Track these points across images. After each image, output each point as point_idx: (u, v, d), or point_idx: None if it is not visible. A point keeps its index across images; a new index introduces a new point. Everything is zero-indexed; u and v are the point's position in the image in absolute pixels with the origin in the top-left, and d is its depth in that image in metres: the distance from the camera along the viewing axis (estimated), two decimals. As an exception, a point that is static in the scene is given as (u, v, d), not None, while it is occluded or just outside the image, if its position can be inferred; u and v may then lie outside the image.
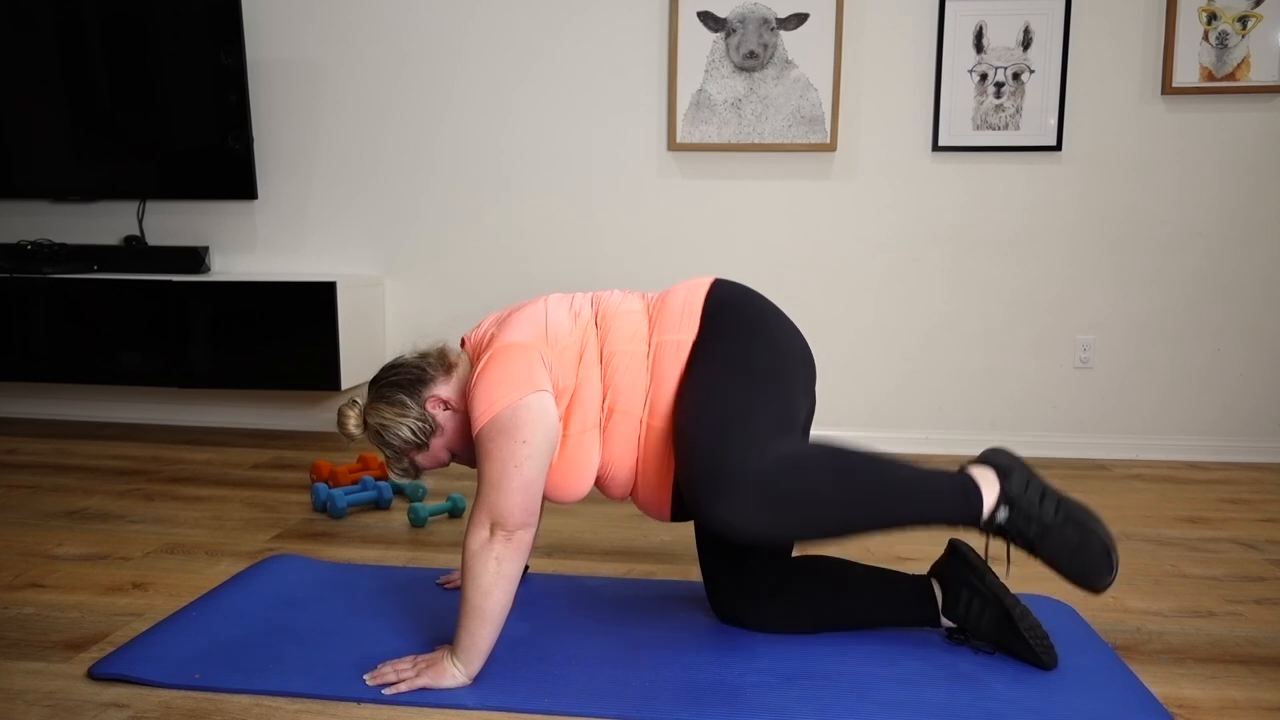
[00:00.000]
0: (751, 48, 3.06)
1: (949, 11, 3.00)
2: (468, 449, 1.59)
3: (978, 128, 3.03)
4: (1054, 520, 1.44)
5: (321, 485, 2.43)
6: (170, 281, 3.09)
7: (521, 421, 1.42)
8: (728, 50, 3.07)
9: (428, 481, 2.68)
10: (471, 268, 3.32)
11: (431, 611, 1.73)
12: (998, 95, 3.01)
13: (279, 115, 3.33)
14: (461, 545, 1.60)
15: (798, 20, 3.04)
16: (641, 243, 3.23)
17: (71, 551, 2.09)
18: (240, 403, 3.47)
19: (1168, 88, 2.97)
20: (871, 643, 1.62)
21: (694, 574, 1.97)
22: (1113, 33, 2.99)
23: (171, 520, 2.32)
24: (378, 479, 2.59)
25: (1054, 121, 3.01)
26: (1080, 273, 3.10)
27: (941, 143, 3.05)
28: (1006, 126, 3.02)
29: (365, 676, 1.46)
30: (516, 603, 1.72)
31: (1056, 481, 2.81)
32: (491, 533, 1.41)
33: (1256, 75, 2.93)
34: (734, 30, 3.06)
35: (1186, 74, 2.95)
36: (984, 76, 3.01)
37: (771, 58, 3.06)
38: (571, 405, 1.52)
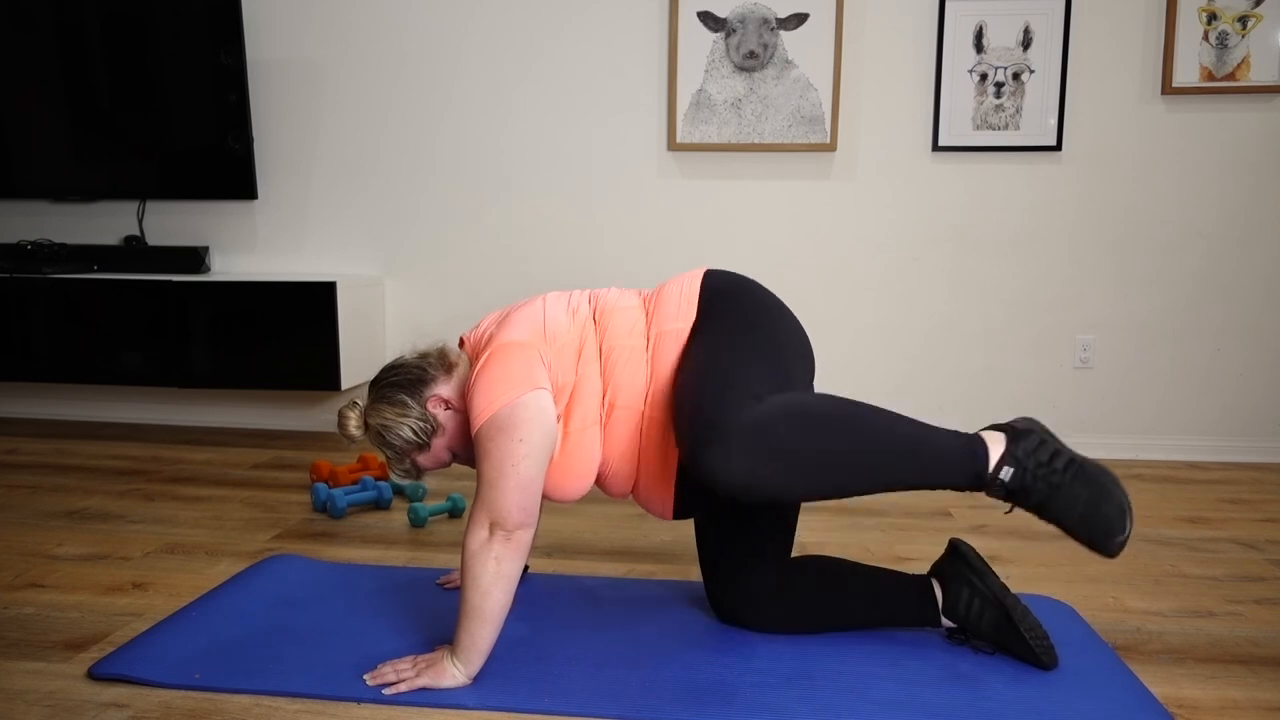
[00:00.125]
0: (751, 48, 3.06)
1: (949, 11, 3.00)
2: (469, 448, 1.59)
3: (978, 128, 3.03)
4: (1063, 479, 1.36)
5: (321, 485, 2.43)
6: (170, 281, 3.09)
7: (519, 420, 1.42)
8: (728, 50, 3.07)
9: (428, 481, 2.68)
10: (471, 268, 3.32)
11: (431, 611, 1.73)
12: (998, 95, 3.01)
13: (279, 115, 3.33)
14: (461, 545, 1.60)
15: (798, 20, 3.04)
16: (641, 243, 3.23)
17: (71, 551, 2.09)
18: (240, 403, 3.47)
19: (1168, 88, 2.97)
20: (871, 643, 1.62)
21: (694, 574, 1.97)
22: (1113, 33, 2.99)
23: (171, 520, 2.32)
24: (378, 479, 2.59)
25: (1054, 121, 3.01)
26: (1080, 273, 3.10)
27: (941, 143, 3.05)
28: (1006, 126, 3.02)
29: (365, 676, 1.46)
30: (516, 603, 1.72)
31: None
32: (491, 532, 1.41)
33: (1256, 75, 2.93)
34: (734, 30, 3.06)
35: (1186, 74, 2.95)
36: (984, 76, 3.01)
37: (771, 58, 3.06)
38: (571, 402, 1.52)
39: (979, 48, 3.00)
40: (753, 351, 1.46)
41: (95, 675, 1.47)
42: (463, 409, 1.58)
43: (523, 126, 3.24)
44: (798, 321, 1.61)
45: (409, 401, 1.56)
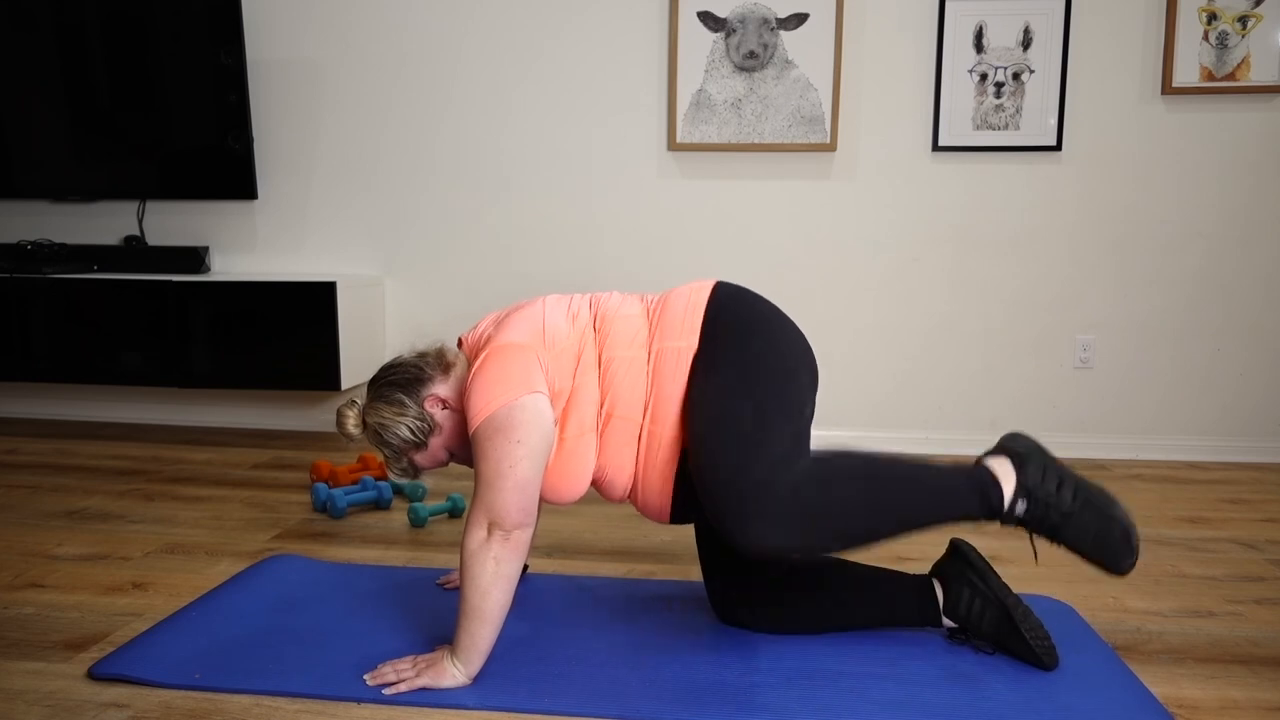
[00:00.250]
0: (751, 48, 3.06)
1: (949, 11, 3.00)
2: (466, 448, 1.59)
3: (978, 128, 3.03)
4: (1072, 507, 1.45)
5: (321, 485, 2.43)
6: (170, 281, 3.09)
7: (517, 421, 1.42)
8: (728, 50, 3.07)
9: (427, 481, 2.68)
10: (471, 268, 3.32)
11: (431, 611, 1.73)
12: (998, 95, 3.01)
13: (279, 115, 3.33)
14: (460, 545, 1.60)
15: (798, 20, 3.04)
16: (641, 243, 3.23)
17: (71, 551, 2.09)
18: (240, 403, 3.47)
19: (1168, 88, 2.97)
20: (871, 643, 1.62)
21: (694, 574, 1.97)
22: (1113, 33, 2.99)
23: (171, 520, 2.32)
24: (378, 479, 2.59)
25: (1054, 121, 3.01)
26: (1080, 273, 3.10)
27: (941, 143, 3.05)
28: (1006, 126, 3.02)
29: (365, 676, 1.46)
30: (516, 603, 1.72)
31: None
32: (489, 533, 1.41)
33: (1256, 75, 2.93)
34: (734, 30, 3.06)
35: (1186, 74, 2.95)
36: (984, 76, 3.01)
37: (771, 58, 3.06)
38: (568, 408, 1.51)
39: (979, 48, 3.00)
40: (768, 396, 1.47)
41: (95, 675, 1.47)
42: (460, 409, 1.58)
43: (523, 126, 3.24)
44: (801, 334, 1.60)
45: (406, 401, 1.56)
